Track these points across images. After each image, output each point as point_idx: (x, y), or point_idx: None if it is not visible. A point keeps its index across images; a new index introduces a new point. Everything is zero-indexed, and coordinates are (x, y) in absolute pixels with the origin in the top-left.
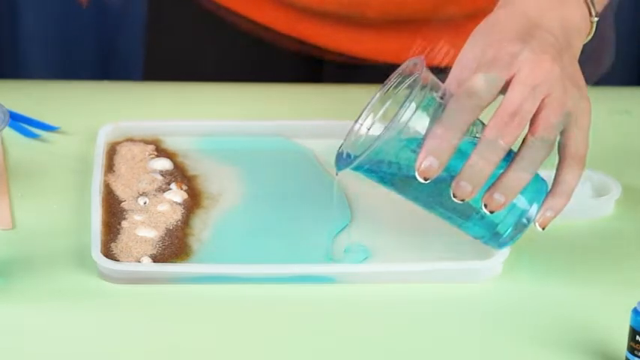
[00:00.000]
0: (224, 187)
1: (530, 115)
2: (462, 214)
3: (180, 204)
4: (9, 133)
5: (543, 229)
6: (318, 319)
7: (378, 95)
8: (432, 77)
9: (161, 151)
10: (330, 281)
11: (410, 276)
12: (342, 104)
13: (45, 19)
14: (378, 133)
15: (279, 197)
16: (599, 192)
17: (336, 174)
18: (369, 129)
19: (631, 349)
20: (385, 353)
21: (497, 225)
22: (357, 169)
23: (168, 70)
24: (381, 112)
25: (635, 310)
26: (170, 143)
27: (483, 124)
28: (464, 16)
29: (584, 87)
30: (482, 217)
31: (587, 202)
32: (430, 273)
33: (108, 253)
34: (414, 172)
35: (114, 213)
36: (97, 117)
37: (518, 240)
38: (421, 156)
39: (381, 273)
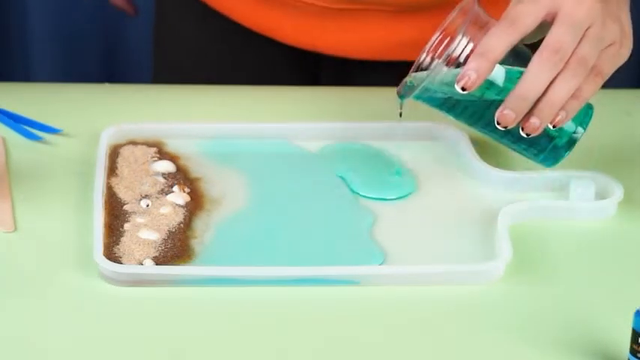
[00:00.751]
0: (226, 190)
1: (571, 51)
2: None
3: (182, 206)
4: (11, 136)
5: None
6: (320, 321)
7: (438, 33)
8: (481, 12)
9: (163, 154)
10: (333, 284)
11: (412, 278)
12: (344, 106)
13: (52, 19)
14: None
15: (282, 199)
16: (602, 194)
17: (400, 105)
18: (429, 63)
19: (633, 352)
20: (388, 355)
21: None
22: (417, 97)
23: (176, 71)
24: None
25: (637, 313)
26: (172, 146)
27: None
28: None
29: (628, 27)
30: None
31: (589, 205)
32: (433, 275)
33: (110, 256)
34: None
35: (116, 215)
36: (100, 119)
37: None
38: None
39: (384, 275)
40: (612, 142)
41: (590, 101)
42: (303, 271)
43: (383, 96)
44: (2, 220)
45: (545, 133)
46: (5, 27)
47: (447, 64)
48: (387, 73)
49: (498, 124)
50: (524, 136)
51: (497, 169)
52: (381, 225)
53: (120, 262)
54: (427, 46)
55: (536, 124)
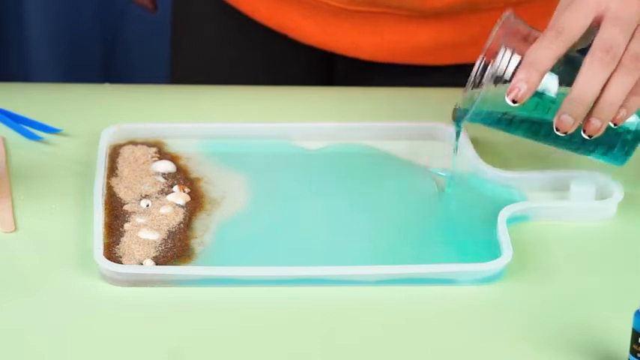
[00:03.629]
0: (226, 190)
1: (623, 49)
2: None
3: (182, 206)
4: (11, 135)
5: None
6: (320, 321)
7: (483, 53)
8: (521, 24)
9: (164, 154)
10: (332, 283)
11: (412, 278)
12: (345, 106)
13: (52, 20)
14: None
15: (282, 199)
16: (602, 195)
17: (457, 133)
18: (478, 84)
19: (633, 352)
20: (388, 355)
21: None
22: (472, 120)
23: (193, 68)
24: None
25: (637, 313)
26: (173, 146)
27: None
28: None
29: None
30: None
31: (590, 205)
32: (433, 275)
33: (110, 256)
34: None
35: (116, 215)
36: (100, 119)
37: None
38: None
39: (383, 274)
40: None
41: None
42: (304, 271)
43: (383, 95)
44: (2, 220)
45: (610, 131)
46: (4, 28)
47: (494, 82)
48: (403, 76)
49: (557, 130)
50: (587, 138)
51: (497, 169)
52: (381, 225)
53: (120, 262)
54: (475, 68)
55: (597, 125)
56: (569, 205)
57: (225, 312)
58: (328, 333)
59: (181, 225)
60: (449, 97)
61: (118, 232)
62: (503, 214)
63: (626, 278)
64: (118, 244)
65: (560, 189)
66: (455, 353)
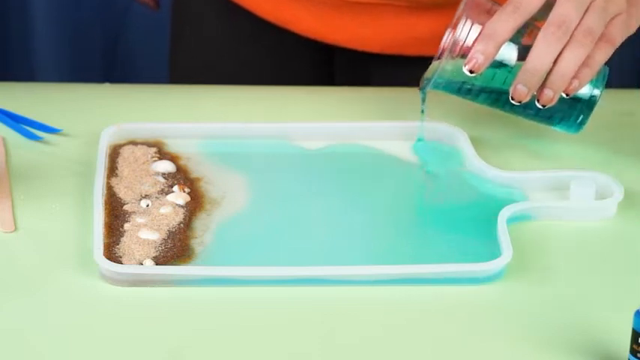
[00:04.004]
0: (227, 190)
1: (575, 23)
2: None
3: (182, 206)
4: (11, 135)
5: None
6: (320, 321)
7: (450, 27)
8: (484, 0)
9: (164, 154)
10: (332, 283)
11: (412, 278)
12: (345, 106)
13: (56, 20)
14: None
15: (282, 199)
16: (602, 194)
17: (422, 99)
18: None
19: (633, 352)
20: (387, 355)
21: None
22: (435, 88)
23: (194, 64)
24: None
25: (637, 313)
26: (173, 146)
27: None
28: None
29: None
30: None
31: (590, 205)
32: (432, 275)
33: (110, 256)
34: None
35: (116, 215)
36: (100, 119)
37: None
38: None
39: (383, 274)
40: (612, 142)
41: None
42: (304, 271)
43: (384, 95)
44: (2, 220)
45: (564, 101)
46: (10, 28)
47: (455, 52)
48: (403, 68)
49: (513, 99)
50: (541, 107)
51: (497, 169)
52: (381, 225)
53: (120, 262)
54: (442, 41)
55: (549, 95)
56: (569, 205)
57: (225, 312)
58: (328, 333)
59: (181, 225)
60: (449, 98)
61: (118, 232)
62: (503, 214)
63: (626, 278)
64: (118, 244)
65: (561, 189)
66: (455, 353)
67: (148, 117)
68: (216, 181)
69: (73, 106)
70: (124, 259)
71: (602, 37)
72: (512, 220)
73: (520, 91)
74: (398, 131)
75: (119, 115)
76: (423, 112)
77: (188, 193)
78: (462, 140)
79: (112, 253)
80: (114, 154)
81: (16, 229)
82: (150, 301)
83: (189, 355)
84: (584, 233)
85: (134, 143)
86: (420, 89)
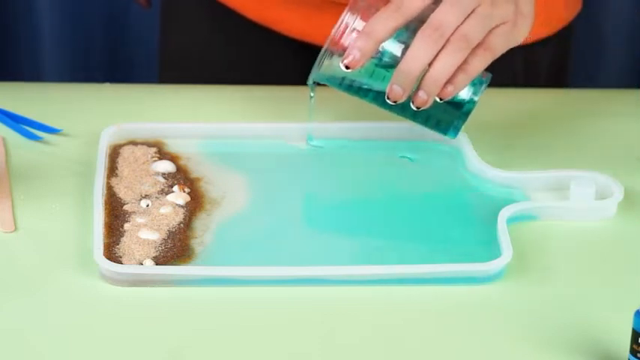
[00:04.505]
0: (226, 190)
1: (453, 28)
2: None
3: (182, 206)
4: (11, 136)
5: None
6: (320, 321)
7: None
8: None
9: (164, 154)
10: (332, 283)
11: (412, 278)
12: (345, 106)
13: (60, 21)
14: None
15: (282, 200)
16: (602, 194)
17: (311, 89)
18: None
19: (633, 352)
20: (387, 355)
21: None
22: (319, 81)
23: (181, 65)
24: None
25: (637, 313)
26: (173, 146)
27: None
28: None
29: (526, 9)
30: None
31: (590, 205)
32: (432, 275)
33: (110, 256)
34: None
35: (116, 215)
36: (100, 119)
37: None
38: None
39: (383, 274)
40: (612, 142)
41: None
42: (304, 271)
43: None
44: (2, 220)
45: (439, 105)
46: (13, 28)
47: (336, 47)
48: None
49: (388, 98)
50: (415, 109)
51: (497, 169)
52: (381, 224)
53: (120, 262)
54: (331, 34)
55: (423, 98)
56: (569, 205)
57: (225, 312)
58: (328, 333)
59: (181, 225)
60: None
61: (118, 232)
62: (503, 214)
63: (626, 278)
64: (118, 244)
65: (561, 189)
66: (455, 353)
67: (148, 117)
68: (216, 181)
69: (73, 106)
70: (124, 259)
71: (481, 45)
72: (512, 220)
73: (395, 91)
74: (398, 131)
75: (119, 115)
76: (311, 98)
77: (188, 193)
78: (461, 140)
79: (112, 253)
80: (114, 154)
81: (16, 229)
82: (150, 301)
83: (189, 355)
84: (584, 233)
85: (134, 143)
86: (307, 83)
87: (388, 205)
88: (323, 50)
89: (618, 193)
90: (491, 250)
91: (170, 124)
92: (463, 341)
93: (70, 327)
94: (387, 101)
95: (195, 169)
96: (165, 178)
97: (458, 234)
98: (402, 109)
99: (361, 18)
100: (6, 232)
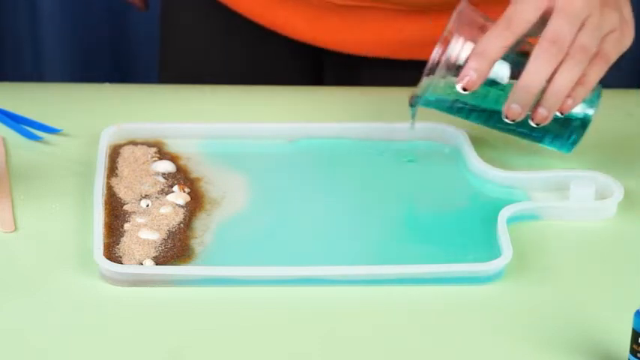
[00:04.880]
0: (227, 190)
1: (569, 40)
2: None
3: (182, 206)
4: (11, 136)
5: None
6: (320, 321)
7: (440, 42)
8: (476, 14)
9: (164, 154)
10: (332, 283)
11: (412, 278)
12: (345, 106)
13: (63, 20)
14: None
15: (282, 200)
16: (602, 194)
17: (412, 115)
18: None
19: (633, 352)
20: (387, 355)
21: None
22: (426, 105)
23: (181, 66)
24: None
25: (637, 313)
26: (173, 146)
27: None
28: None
29: (628, 15)
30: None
31: (590, 205)
32: (433, 275)
33: (110, 256)
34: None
35: (116, 215)
36: (100, 119)
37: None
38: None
39: (383, 274)
40: (612, 142)
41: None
42: (304, 271)
43: (383, 96)
44: (2, 220)
45: (558, 120)
46: (13, 28)
47: (447, 69)
48: (391, 70)
49: (506, 118)
50: (535, 126)
51: (497, 169)
52: (381, 224)
53: (120, 262)
54: (432, 57)
55: (544, 114)
56: (570, 205)
57: (225, 312)
58: (328, 333)
59: (181, 225)
60: None
61: (118, 232)
62: (503, 214)
63: (626, 278)
64: (118, 244)
65: (561, 189)
66: (455, 353)
67: (148, 117)
68: (216, 181)
69: (73, 106)
70: (124, 259)
71: (596, 55)
72: (512, 220)
73: (514, 110)
74: (397, 132)
75: (119, 115)
76: (412, 127)
77: (188, 193)
78: (462, 140)
79: (112, 253)
80: (114, 154)
81: (16, 229)
82: (150, 301)
83: (189, 355)
84: (584, 233)
85: (134, 143)
86: (410, 105)
87: (388, 204)
88: (425, 73)
89: (618, 193)
90: (491, 250)
91: (170, 124)
92: (463, 341)
93: (70, 327)
94: (505, 120)
95: (195, 169)
96: (165, 178)
97: (458, 234)
98: (517, 127)
99: (469, 38)
100: (6, 232)
